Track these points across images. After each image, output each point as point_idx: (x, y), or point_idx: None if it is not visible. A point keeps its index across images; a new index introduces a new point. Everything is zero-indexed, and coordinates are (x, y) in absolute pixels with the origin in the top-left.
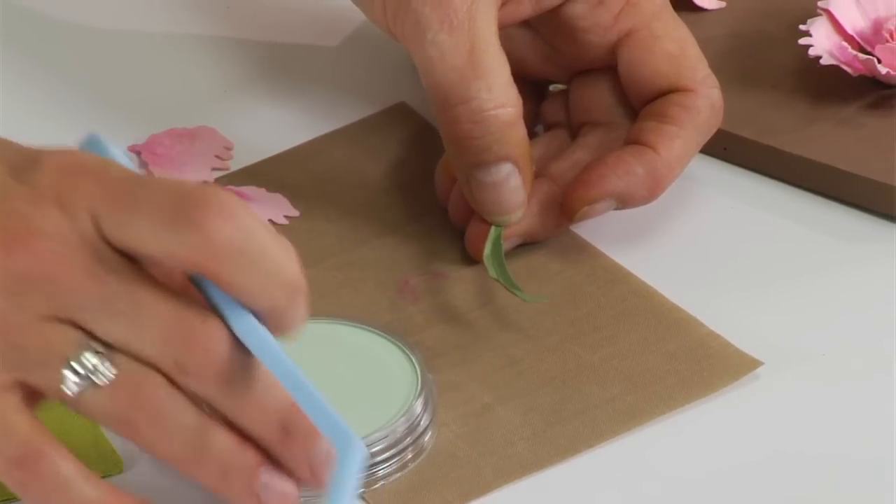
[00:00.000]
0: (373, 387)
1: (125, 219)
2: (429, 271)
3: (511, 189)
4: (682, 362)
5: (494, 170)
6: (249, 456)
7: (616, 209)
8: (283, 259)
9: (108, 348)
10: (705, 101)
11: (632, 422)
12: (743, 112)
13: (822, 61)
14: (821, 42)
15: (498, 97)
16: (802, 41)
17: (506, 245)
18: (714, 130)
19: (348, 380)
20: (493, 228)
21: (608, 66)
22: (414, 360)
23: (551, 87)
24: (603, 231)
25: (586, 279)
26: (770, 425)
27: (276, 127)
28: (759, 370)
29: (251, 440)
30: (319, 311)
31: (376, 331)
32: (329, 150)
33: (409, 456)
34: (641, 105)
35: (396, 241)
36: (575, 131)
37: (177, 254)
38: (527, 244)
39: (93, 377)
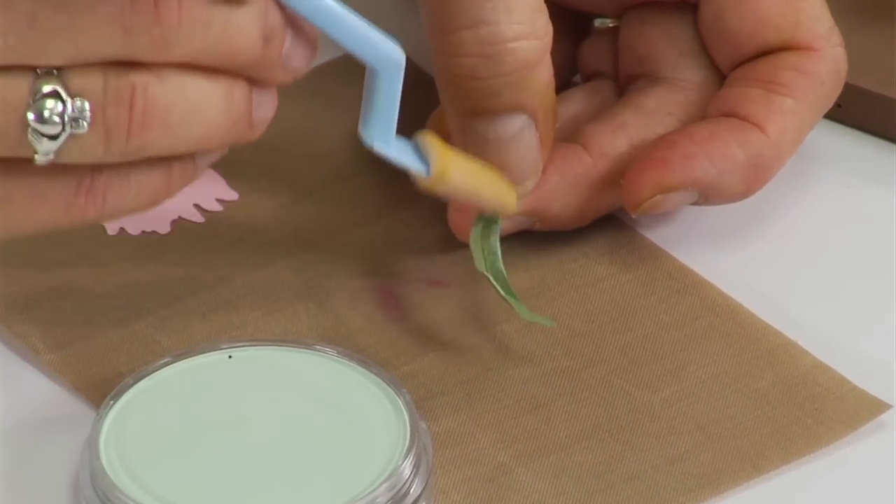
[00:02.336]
0: (345, 440)
1: None
2: (420, 277)
3: (522, 150)
4: (777, 406)
5: (502, 122)
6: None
7: (695, 204)
8: None
9: (63, 80)
10: (829, 66)
11: (706, 490)
12: (862, 55)
13: None
14: None
15: (519, 24)
16: None
17: (504, 226)
18: (832, 103)
19: (311, 430)
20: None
21: (681, 0)
22: (401, 403)
23: (596, 23)
24: (665, 221)
25: (642, 289)
26: None
27: None
28: (885, 415)
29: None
30: (268, 332)
31: (350, 360)
32: (281, 104)
33: None
34: (732, 63)
35: (375, 236)
36: (623, 85)
37: None
38: (542, 233)
39: (66, 122)
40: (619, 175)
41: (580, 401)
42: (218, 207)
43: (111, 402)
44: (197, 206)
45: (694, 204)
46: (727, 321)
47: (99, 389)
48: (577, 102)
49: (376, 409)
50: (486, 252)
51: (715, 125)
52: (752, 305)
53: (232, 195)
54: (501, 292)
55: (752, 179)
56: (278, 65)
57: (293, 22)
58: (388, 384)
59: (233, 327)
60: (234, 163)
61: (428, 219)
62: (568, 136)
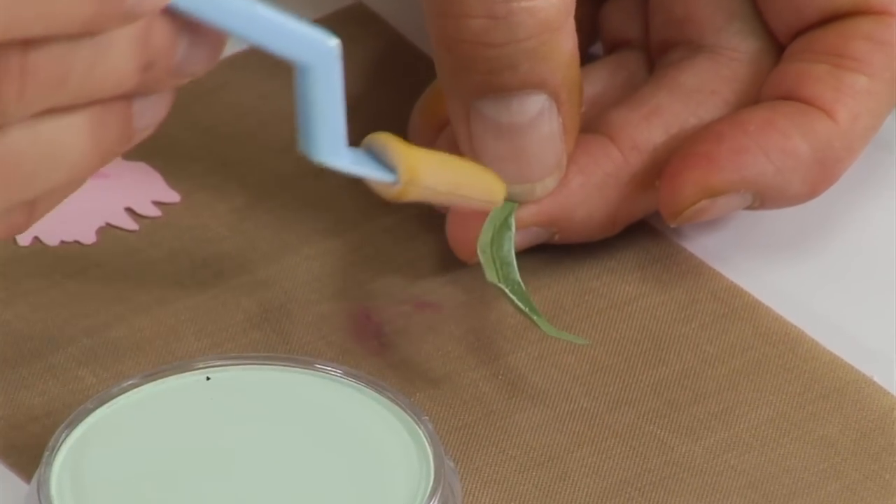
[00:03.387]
0: (354, 479)
1: None
2: (406, 299)
3: (543, 138)
4: (848, 457)
5: (518, 103)
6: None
7: (748, 209)
8: None
9: None
10: None
11: None
12: None
13: None
14: None
15: None
16: None
17: (520, 238)
18: None
19: (312, 468)
20: (494, 209)
21: None
22: (423, 434)
23: None
24: (708, 229)
25: (681, 313)
26: None
27: None
28: None
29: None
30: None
31: (359, 382)
32: (234, 83)
33: None
34: (792, 31)
35: (349, 247)
36: (655, 56)
37: None
38: (560, 246)
39: None
40: (654, 174)
41: (604, 451)
42: (155, 212)
43: (65, 434)
44: (129, 209)
45: (747, 209)
46: (785, 352)
47: (6, 438)
48: (597, 81)
49: (392, 442)
50: (499, 263)
51: (771, 111)
52: (816, 332)
53: (172, 196)
54: (521, 306)
55: (819, 177)
56: (166, 80)
57: (189, 24)
58: (406, 411)
59: (173, 359)
60: (176, 156)
61: (415, 226)
62: (588, 124)
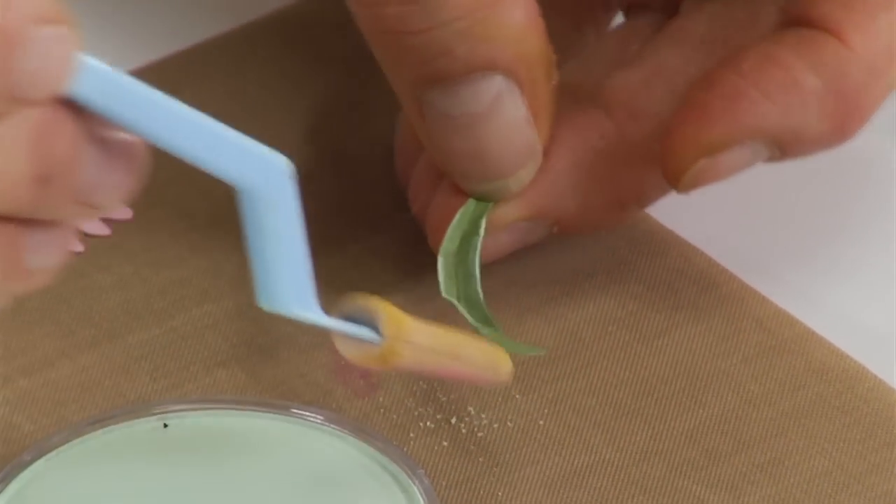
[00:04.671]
0: None
1: None
2: None
3: (504, 126)
4: None
5: (467, 90)
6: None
7: (771, 161)
8: None
9: None
10: None
11: None
12: None
13: None
14: None
15: None
16: None
17: (510, 238)
18: None
19: None
20: (468, 203)
21: None
22: (417, 491)
23: None
24: (752, 244)
25: (720, 345)
26: None
27: (105, 38)
28: None
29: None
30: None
31: (343, 430)
32: (196, 79)
33: None
34: None
35: (332, 272)
36: (671, 13)
37: None
38: (573, 265)
39: None
40: (657, 143)
41: None
42: (103, 230)
43: None
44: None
45: (770, 160)
46: (844, 392)
47: None
48: (605, 53)
49: (382, 500)
50: (462, 275)
51: (773, 43)
52: (881, 369)
53: (123, 212)
54: (473, 322)
55: (841, 111)
56: (67, 206)
57: (101, 132)
58: (398, 463)
59: (124, 403)
60: None
61: (406, 249)
62: (588, 94)
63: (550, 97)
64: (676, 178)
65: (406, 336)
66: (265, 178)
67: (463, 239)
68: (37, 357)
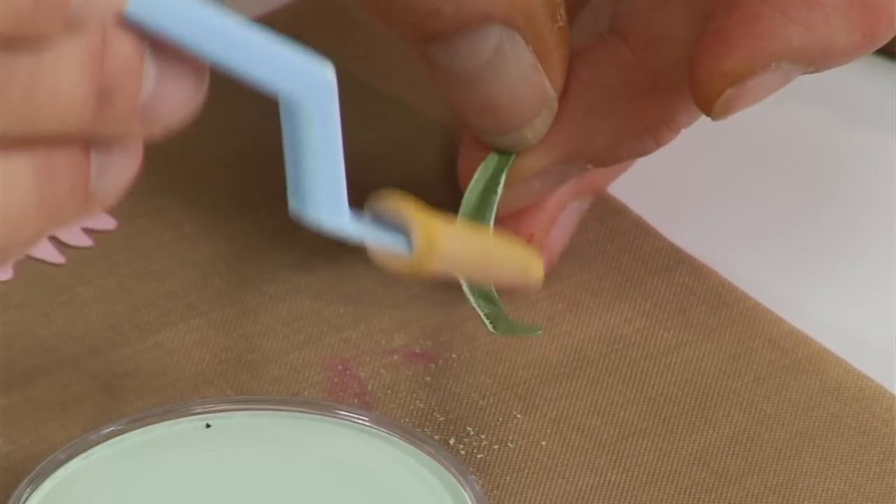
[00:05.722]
0: None
1: None
2: (392, 348)
3: (510, 76)
4: None
5: (466, 44)
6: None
7: (808, 73)
8: None
9: None
10: None
11: None
12: None
13: None
14: None
15: None
16: None
17: (543, 183)
18: None
19: None
20: (490, 157)
21: None
22: (468, 497)
23: None
24: (765, 263)
25: (731, 364)
26: None
27: None
28: None
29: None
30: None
31: (392, 432)
32: None
33: None
34: None
35: (325, 285)
36: None
37: None
38: (578, 279)
39: None
40: (683, 69)
41: None
42: (85, 241)
43: (27, 491)
44: (53, 238)
45: (806, 74)
46: (860, 412)
47: None
48: None
49: None
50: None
51: None
52: None
53: (107, 222)
54: (472, 298)
55: (868, 18)
56: (131, 122)
57: (162, 50)
58: (448, 468)
59: (108, 421)
60: None
61: None
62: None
63: (559, 40)
64: (708, 108)
65: (438, 247)
66: (308, 87)
67: (482, 196)
68: (15, 374)
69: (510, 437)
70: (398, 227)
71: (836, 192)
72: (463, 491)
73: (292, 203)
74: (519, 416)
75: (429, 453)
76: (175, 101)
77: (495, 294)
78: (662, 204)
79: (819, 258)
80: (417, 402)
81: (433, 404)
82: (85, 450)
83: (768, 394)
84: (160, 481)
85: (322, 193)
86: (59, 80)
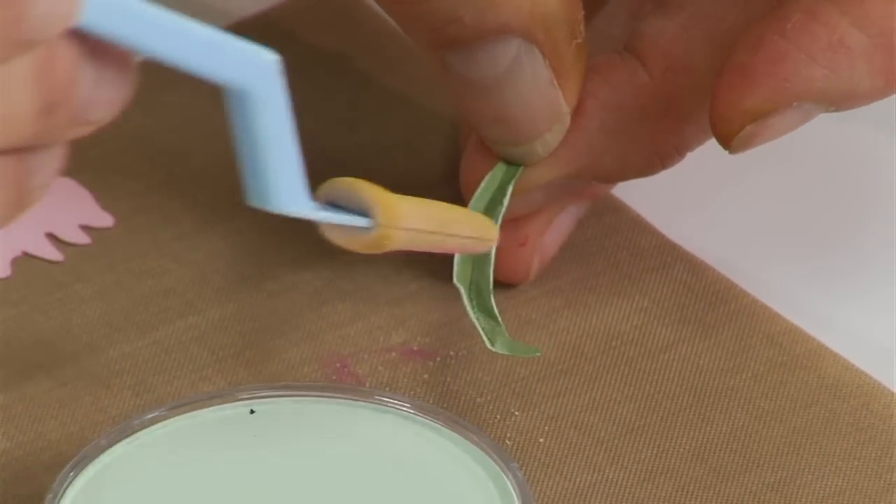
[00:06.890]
0: None
1: None
2: (392, 345)
3: (527, 88)
4: None
5: (485, 53)
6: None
7: (828, 112)
8: None
9: None
10: None
11: None
12: None
13: None
14: None
15: None
16: None
17: (528, 200)
18: None
19: None
20: (497, 167)
21: None
22: (510, 484)
23: None
24: (763, 259)
25: (729, 361)
26: None
27: None
28: None
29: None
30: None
31: (434, 419)
32: (178, 81)
33: None
34: None
35: (323, 281)
36: None
37: None
38: (575, 278)
39: None
40: (699, 96)
41: None
42: (83, 239)
43: (71, 476)
44: (51, 236)
45: (826, 112)
46: (858, 409)
47: None
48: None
49: (474, 494)
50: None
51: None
52: None
53: (105, 220)
54: (474, 313)
55: (892, 64)
56: (67, 128)
57: (97, 52)
58: (490, 456)
59: (105, 419)
60: (109, 171)
61: (402, 258)
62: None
63: (577, 56)
64: (727, 143)
65: (398, 222)
66: (254, 76)
67: (488, 207)
68: (13, 371)
69: (508, 435)
70: (356, 207)
71: (835, 189)
72: (505, 478)
73: (250, 193)
74: (517, 413)
75: (471, 440)
76: (108, 101)
77: (495, 310)
78: (660, 201)
79: (817, 255)
80: (413, 397)
81: (431, 400)
82: (128, 435)
83: (766, 390)
84: (204, 466)
85: (279, 179)
86: (9, 98)
